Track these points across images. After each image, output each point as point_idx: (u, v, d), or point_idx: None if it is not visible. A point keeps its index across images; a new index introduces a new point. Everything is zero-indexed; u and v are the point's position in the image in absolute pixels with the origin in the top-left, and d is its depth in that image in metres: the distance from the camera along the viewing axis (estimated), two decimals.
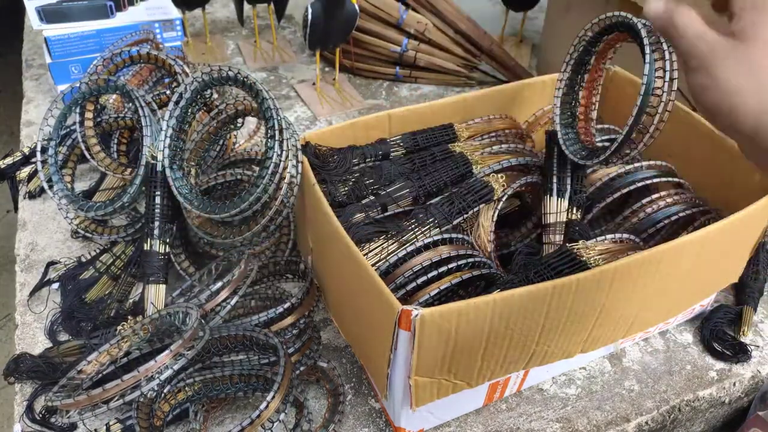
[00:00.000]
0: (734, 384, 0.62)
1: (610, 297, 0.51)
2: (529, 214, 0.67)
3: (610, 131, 0.70)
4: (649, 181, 0.63)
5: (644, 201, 0.63)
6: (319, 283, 0.64)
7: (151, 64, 0.77)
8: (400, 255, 0.55)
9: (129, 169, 0.71)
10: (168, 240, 0.64)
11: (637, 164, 0.65)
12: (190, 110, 0.66)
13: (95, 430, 0.53)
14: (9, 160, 0.82)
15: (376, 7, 1.04)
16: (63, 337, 0.63)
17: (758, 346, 0.65)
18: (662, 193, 0.63)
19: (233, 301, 0.58)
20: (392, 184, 0.62)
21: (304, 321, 0.59)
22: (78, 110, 0.69)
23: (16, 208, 0.80)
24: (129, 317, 0.59)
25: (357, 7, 0.91)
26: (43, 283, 0.68)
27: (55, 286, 0.68)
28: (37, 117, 0.96)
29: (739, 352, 0.63)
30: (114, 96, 0.80)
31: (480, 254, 0.57)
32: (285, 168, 0.58)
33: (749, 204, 0.54)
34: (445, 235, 0.57)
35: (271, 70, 1.11)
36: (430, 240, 0.55)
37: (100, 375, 0.53)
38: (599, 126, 0.71)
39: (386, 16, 1.05)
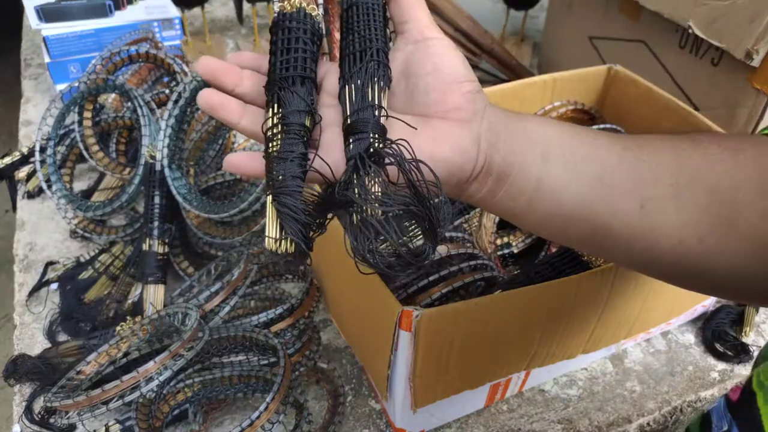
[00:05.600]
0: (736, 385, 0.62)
1: (611, 297, 0.51)
2: None
3: (612, 131, 0.70)
4: None
5: None
6: (319, 284, 0.64)
7: (150, 63, 0.77)
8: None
9: (128, 169, 0.70)
10: (167, 240, 0.64)
11: None
12: (189, 109, 0.66)
13: (94, 431, 0.53)
14: (8, 160, 0.82)
15: None
16: (62, 337, 0.62)
17: (760, 346, 0.65)
18: None
19: (233, 302, 0.57)
20: None
21: (303, 322, 0.59)
22: (77, 110, 0.69)
23: (14, 208, 0.80)
24: (128, 318, 0.59)
25: None
26: (41, 284, 0.67)
27: (54, 286, 0.67)
28: (35, 116, 0.95)
29: (741, 353, 0.63)
30: (113, 95, 0.80)
31: (482, 255, 0.57)
32: None
33: None
34: (446, 234, 0.56)
35: None
36: None
37: (99, 376, 0.53)
38: (600, 125, 0.70)
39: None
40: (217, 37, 1.19)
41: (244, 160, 0.35)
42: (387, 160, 0.30)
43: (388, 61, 0.35)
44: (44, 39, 0.90)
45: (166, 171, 0.63)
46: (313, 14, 0.37)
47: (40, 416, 0.55)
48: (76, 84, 0.66)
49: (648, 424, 0.58)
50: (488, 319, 0.46)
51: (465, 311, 0.44)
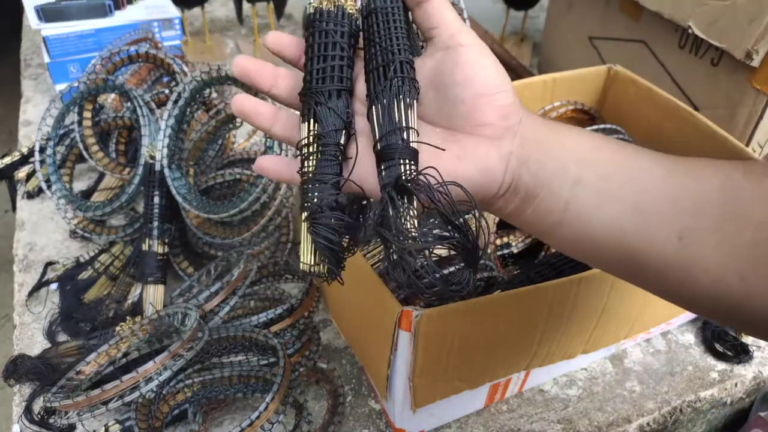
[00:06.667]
0: (736, 385, 0.62)
1: (611, 297, 0.51)
2: None
3: (612, 131, 0.70)
4: None
5: None
6: (319, 284, 0.64)
7: (149, 63, 0.77)
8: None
9: (127, 169, 0.70)
10: (167, 240, 0.64)
11: None
12: (188, 110, 0.65)
13: (94, 431, 0.53)
14: (7, 160, 0.82)
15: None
16: (62, 337, 0.62)
17: (760, 347, 0.65)
18: None
19: (232, 302, 0.57)
20: None
21: (303, 322, 0.59)
22: (76, 110, 0.69)
23: (14, 208, 0.80)
24: (128, 318, 0.59)
25: None
26: (41, 284, 0.67)
27: (54, 286, 0.67)
28: (35, 116, 0.95)
29: (740, 353, 0.63)
30: (112, 95, 0.80)
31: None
32: None
33: None
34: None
35: None
36: None
37: (98, 376, 0.53)
38: (600, 126, 0.70)
39: None
40: (217, 37, 1.19)
41: (272, 164, 0.35)
42: (417, 189, 0.29)
43: (414, 72, 0.34)
44: (44, 39, 0.90)
45: (166, 171, 0.63)
46: (351, 12, 0.35)
47: (39, 416, 0.55)
48: (76, 84, 0.66)
49: (648, 424, 0.58)
50: (488, 319, 0.46)
51: (465, 311, 0.44)
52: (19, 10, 1.06)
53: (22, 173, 0.82)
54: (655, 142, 0.68)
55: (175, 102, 0.64)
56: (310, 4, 0.35)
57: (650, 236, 0.32)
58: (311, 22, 0.34)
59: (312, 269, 0.31)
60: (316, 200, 0.31)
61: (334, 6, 0.35)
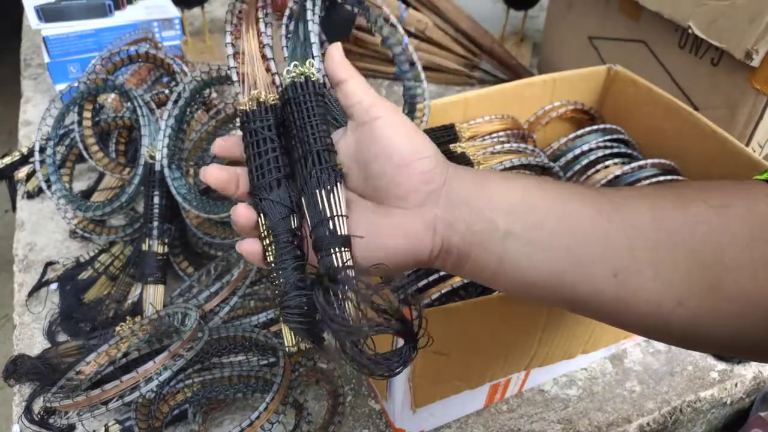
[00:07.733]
0: (736, 385, 0.62)
1: None
2: None
3: (612, 131, 0.70)
4: (653, 180, 0.63)
5: None
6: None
7: (149, 63, 0.77)
8: None
9: (127, 169, 0.70)
10: (167, 240, 0.64)
11: (641, 162, 0.64)
12: (188, 109, 0.65)
13: (94, 431, 0.53)
14: (7, 160, 0.82)
15: (376, 6, 1.04)
16: (61, 337, 0.62)
17: None
18: None
19: (232, 302, 0.57)
20: None
21: None
22: (76, 110, 0.69)
23: (14, 208, 0.80)
24: (128, 318, 0.59)
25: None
26: (41, 284, 0.67)
27: (54, 286, 0.67)
28: (35, 116, 0.95)
29: None
30: (112, 95, 0.80)
31: None
32: None
33: None
34: None
35: None
36: None
37: (98, 376, 0.53)
38: (600, 126, 0.70)
39: None
40: (217, 37, 1.19)
41: (216, 173, 0.36)
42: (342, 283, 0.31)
43: (334, 156, 0.35)
44: (44, 39, 0.90)
45: (166, 171, 0.63)
46: (274, 103, 0.37)
47: (39, 416, 0.55)
48: (76, 84, 0.66)
49: (648, 424, 0.58)
50: (488, 319, 0.46)
51: (465, 311, 0.44)
52: (19, 10, 1.06)
53: (22, 173, 0.82)
54: (655, 142, 0.69)
55: (175, 102, 0.64)
56: (236, 108, 0.37)
57: (586, 277, 0.33)
58: (242, 123, 0.37)
59: (296, 348, 0.34)
60: (281, 284, 0.33)
61: (257, 104, 0.37)
